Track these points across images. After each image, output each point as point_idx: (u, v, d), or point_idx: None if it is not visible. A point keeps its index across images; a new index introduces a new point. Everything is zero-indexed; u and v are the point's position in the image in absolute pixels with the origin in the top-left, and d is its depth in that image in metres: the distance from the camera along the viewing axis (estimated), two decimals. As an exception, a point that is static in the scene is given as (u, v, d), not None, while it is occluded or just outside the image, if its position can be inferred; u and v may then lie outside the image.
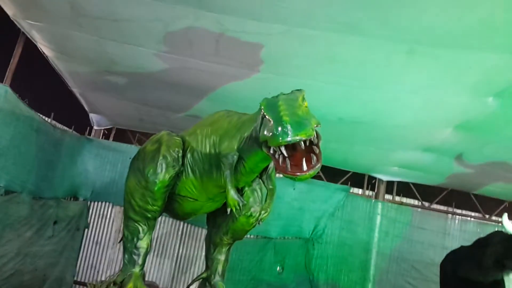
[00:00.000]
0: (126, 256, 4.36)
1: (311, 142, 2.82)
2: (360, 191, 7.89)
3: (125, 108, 6.52)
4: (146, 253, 4.37)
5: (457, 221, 7.76)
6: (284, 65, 4.30)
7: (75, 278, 7.04)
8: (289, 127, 2.76)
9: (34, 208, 5.78)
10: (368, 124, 5.39)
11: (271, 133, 2.85)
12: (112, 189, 7.36)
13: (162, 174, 4.12)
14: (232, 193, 3.66)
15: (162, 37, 4.21)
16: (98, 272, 7.30)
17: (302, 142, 2.78)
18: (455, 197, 7.79)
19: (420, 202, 7.87)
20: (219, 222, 4.71)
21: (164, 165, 4.13)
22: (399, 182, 7.85)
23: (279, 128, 2.78)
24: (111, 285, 4.26)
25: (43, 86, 6.07)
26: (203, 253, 7.36)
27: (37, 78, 5.89)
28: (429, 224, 7.65)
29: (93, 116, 7.27)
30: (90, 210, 7.35)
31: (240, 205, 3.70)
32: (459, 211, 7.83)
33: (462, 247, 5.74)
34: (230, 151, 3.69)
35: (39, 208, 5.91)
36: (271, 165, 3.97)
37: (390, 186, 7.88)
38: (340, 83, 4.48)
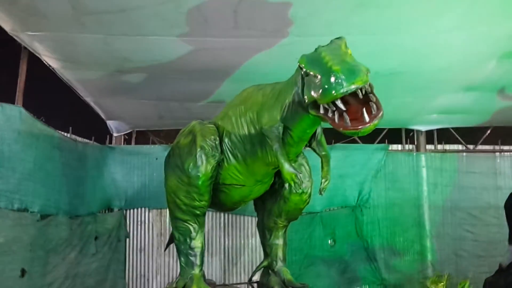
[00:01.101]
0: (182, 259, 4.10)
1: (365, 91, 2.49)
2: (399, 146, 7.52)
3: (142, 108, 6.19)
4: (203, 252, 4.11)
5: (506, 158, 7.37)
6: (314, 23, 3.89)
7: (127, 290, 6.88)
8: (341, 76, 2.42)
9: (73, 228, 5.55)
10: (406, 74, 4.98)
11: (321, 89, 2.52)
12: (145, 193, 7.13)
13: (203, 166, 3.82)
14: (287, 167, 3.33)
15: (174, 20, 3.83)
16: (148, 280, 7.10)
17: (359, 91, 2.44)
18: (500, 134, 7.39)
19: (464, 146, 7.47)
20: (269, 206, 4.45)
21: (203, 157, 3.82)
22: (438, 130, 7.45)
23: (331, 79, 2.45)
24: (174, 291, 4.04)
25: (55, 101, 5.79)
26: (250, 241, 7.25)
27: (48, 93, 5.59)
28: (478, 167, 7.28)
29: (111, 123, 6.97)
30: (128, 219, 7.12)
31: (299, 177, 3.38)
32: (506, 147, 7.42)
33: (527, 183, 5.38)
34: (273, 123, 3.35)
35: (77, 227, 5.68)
36: (319, 130, 3.64)
37: (430, 136, 7.49)
38: (375, 33, 4.07)
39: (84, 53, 4.54)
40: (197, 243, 4.05)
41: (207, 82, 5.24)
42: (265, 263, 4.54)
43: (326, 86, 2.48)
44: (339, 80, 2.41)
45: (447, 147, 7.54)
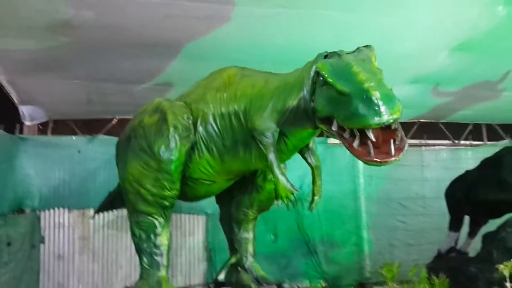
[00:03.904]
0: (145, 259, 3.53)
1: None
2: (337, 140, 7.54)
3: (69, 89, 5.26)
4: (169, 250, 3.58)
5: (431, 152, 7.81)
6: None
7: (42, 302, 5.84)
8: (380, 103, 2.17)
9: (-18, 232, 4.54)
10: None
11: (351, 112, 2.24)
12: (64, 191, 6.22)
13: (177, 149, 3.31)
14: (284, 182, 2.98)
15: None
16: (68, 289, 6.13)
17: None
18: (425, 129, 7.79)
19: (394, 140, 7.74)
20: (238, 197, 4.06)
21: (177, 137, 3.31)
22: (372, 123, 7.63)
23: (367, 105, 2.19)
24: (135, 297, 3.43)
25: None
26: (187, 241, 6.66)
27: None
28: (407, 160, 7.56)
29: (24, 109, 5.84)
30: (42, 221, 6.07)
31: (295, 195, 3.01)
32: (431, 141, 7.87)
33: (467, 172, 5.65)
34: (268, 127, 2.97)
35: (-13, 231, 4.66)
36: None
37: (364, 129, 7.63)
38: (355, 10, 3.90)
39: (11, 11, 3.64)
40: (163, 239, 3.55)
41: (155, 58, 4.59)
42: (233, 260, 4.12)
43: (360, 112, 2.21)
44: (377, 108, 2.17)
45: (380, 140, 7.76)
